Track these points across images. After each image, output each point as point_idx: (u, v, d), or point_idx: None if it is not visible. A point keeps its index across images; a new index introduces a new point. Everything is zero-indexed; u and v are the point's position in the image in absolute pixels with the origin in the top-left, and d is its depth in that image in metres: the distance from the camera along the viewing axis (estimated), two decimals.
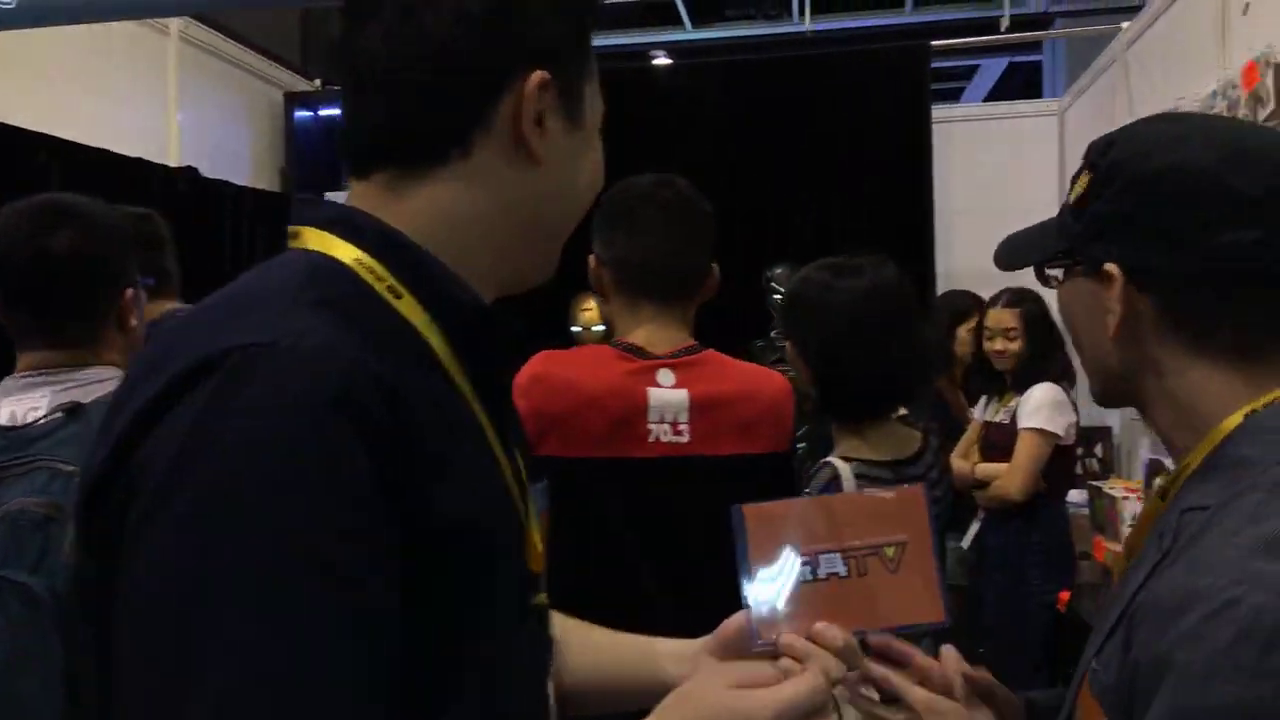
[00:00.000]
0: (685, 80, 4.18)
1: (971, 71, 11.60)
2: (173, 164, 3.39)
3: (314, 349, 0.58)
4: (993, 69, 11.33)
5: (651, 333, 1.59)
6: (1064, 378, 3.13)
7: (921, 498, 0.92)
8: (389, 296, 0.67)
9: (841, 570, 0.87)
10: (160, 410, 0.58)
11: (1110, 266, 0.82)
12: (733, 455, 1.58)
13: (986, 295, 4.25)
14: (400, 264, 0.68)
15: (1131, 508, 2.70)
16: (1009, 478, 2.95)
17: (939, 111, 4.27)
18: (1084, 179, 0.88)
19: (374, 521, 0.57)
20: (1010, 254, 1.00)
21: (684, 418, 1.55)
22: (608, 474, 1.54)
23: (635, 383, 1.55)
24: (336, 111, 4.50)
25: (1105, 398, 0.92)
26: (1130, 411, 3.68)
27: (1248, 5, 2.29)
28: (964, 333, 3.64)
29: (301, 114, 4.20)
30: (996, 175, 4.66)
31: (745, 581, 0.87)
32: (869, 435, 1.62)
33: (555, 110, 0.73)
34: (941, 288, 4.08)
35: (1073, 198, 0.90)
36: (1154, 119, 0.93)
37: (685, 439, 1.55)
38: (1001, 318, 3.16)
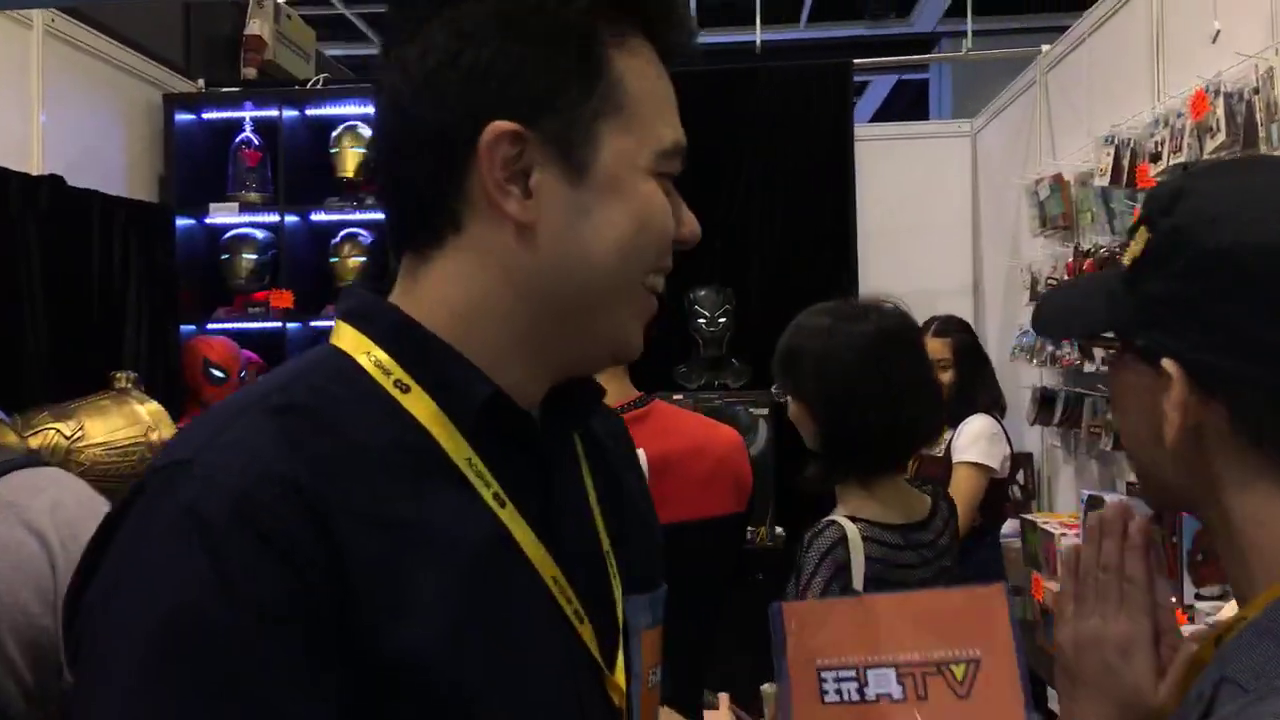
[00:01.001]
0: None
1: (861, 88, 11.85)
2: (35, 171, 3.04)
3: (223, 465, 0.57)
4: (880, 86, 11.58)
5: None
6: (995, 406, 3.09)
7: (1002, 598, 0.75)
8: (395, 392, 0.64)
9: (895, 691, 0.70)
10: (113, 527, 0.59)
11: (1168, 364, 0.67)
12: (698, 520, 1.44)
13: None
14: (410, 354, 0.65)
15: (1069, 543, 2.63)
16: None
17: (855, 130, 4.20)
18: (1141, 237, 0.72)
19: (284, 642, 0.54)
20: (1051, 320, 0.85)
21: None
22: None
23: None
24: (222, 114, 4.17)
25: (1160, 506, 0.79)
26: (1051, 436, 3.74)
27: (1218, 33, 2.24)
28: None
29: (183, 117, 3.86)
30: (910, 195, 4.63)
31: (781, 686, 0.72)
32: (879, 493, 1.49)
33: (546, 165, 0.63)
34: None
35: (1127, 259, 0.73)
36: (1228, 166, 0.79)
37: None
38: (931, 347, 3.07)
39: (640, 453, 1.40)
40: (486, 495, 0.64)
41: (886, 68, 8.95)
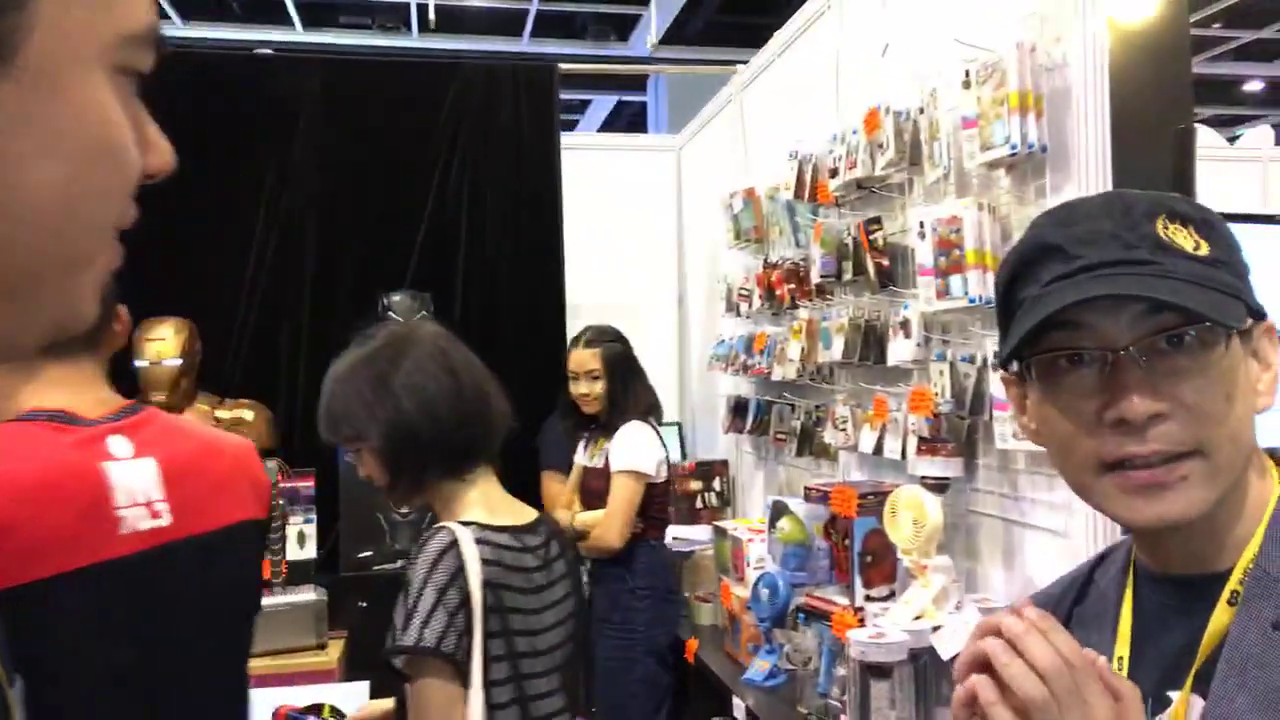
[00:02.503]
0: (290, 79, 3.67)
1: (585, 105, 12.03)
2: None
3: None
4: (602, 105, 11.80)
5: (72, 395, 1.22)
6: (651, 413, 3.12)
7: None
8: None
9: None
10: None
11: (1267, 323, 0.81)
12: (224, 528, 1.32)
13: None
14: None
15: (757, 550, 2.66)
16: (606, 525, 2.91)
17: (564, 139, 4.14)
18: (1189, 230, 0.81)
19: None
20: (1192, 295, 0.77)
21: (158, 493, 1.22)
22: (76, 596, 1.11)
23: (84, 459, 1.17)
24: None
25: (1222, 489, 0.79)
26: (745, 444, 3.84)
27: (886, 47, 2.33)
28: None
29: None
30: (620, 209, 4.64)
31: None
32: (480, 497, 1.50)
33: None
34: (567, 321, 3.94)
35: (1189, 248, 0.79)
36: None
37: (166, 520, 1.22)
38: (582, 359, 3.11)
39: (149, 461, 1.21)
40: None
41: (600, 80, 9.09)
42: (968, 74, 1.94)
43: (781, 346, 2.97)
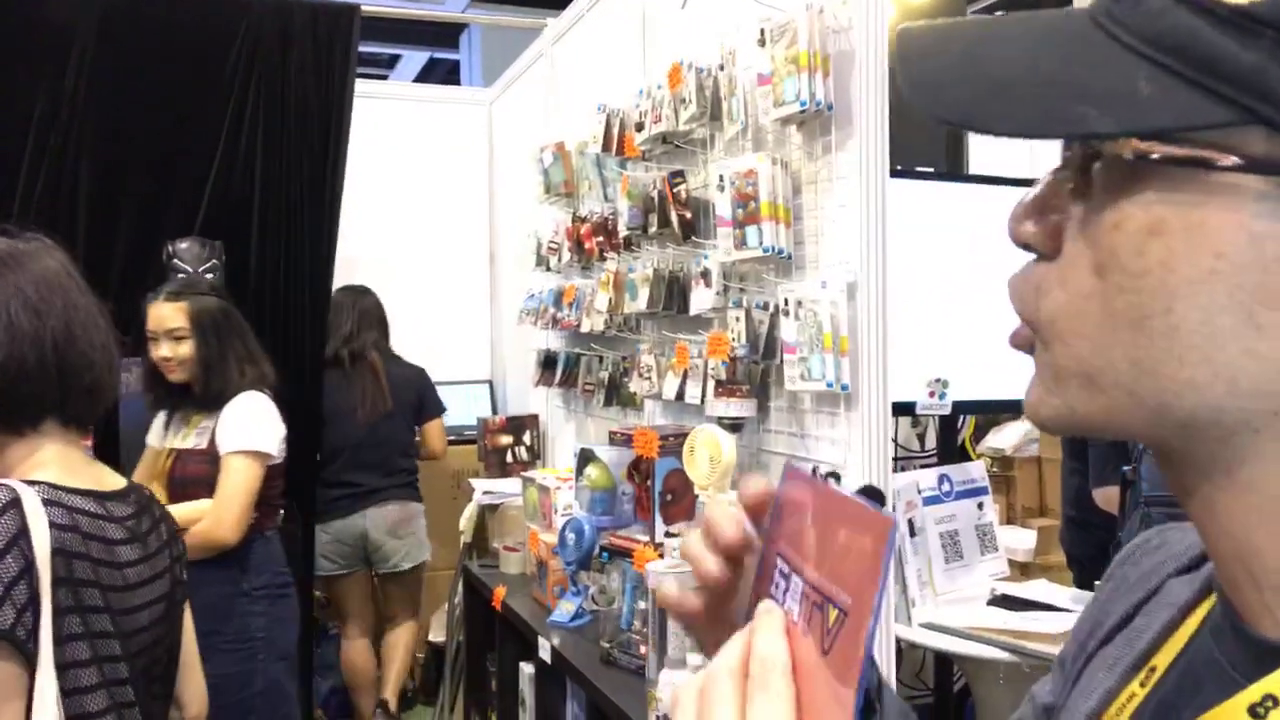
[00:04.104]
0: (64, 2, 3.38)
1: (394, 61, 11.67)
2: None
3: None
4: (414, 61, 11.48)
5: None
6: (263, 383, 2.64)
7: (884, 540, 0.46)
8: None
9: (796, 611, 0.51)
10: None
11: None
12: None
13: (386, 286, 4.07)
14: None
15: (565, 497, 2.72)
16: (217, 516, 2.44)
17: (365, 86, 4.02)
18: None
19: None
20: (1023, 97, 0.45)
21: None
22: None
23: None
24: None
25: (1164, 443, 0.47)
26: (554, 397, 3.90)
27: (685, 1, 2.39)
28: None
29: None
30: (431, 164, 4.57)
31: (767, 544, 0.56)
32: (56, 457, 1.30)
33: None
34: (342, 277, 3.84)
35: None
36: None
37: None
38: (162, 316, 2.57)
39: None
40: None
41: (410, 33, 8.84)
42: (763, 32, 2.03)
43: (590, 299, 3.02)
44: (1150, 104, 0.42)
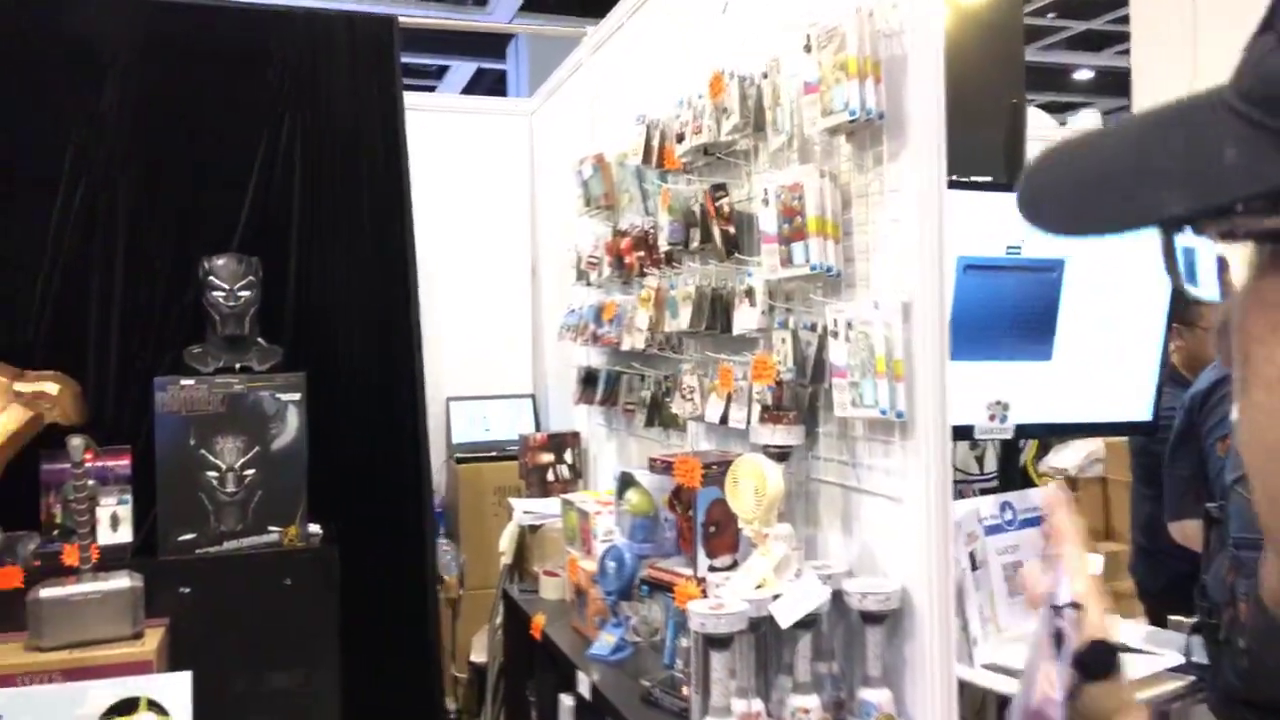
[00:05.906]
0: (104, 19, 3.36)
1: (443, 71, 11.71)
2: None
3: None
4: (462, 72, 11.51)
5: None
6: None
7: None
8: None
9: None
10: None
11: None
12: None
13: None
14: None
15: (605, 523, 2.62)
16: None
17: (406, 99, 3.97)
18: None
19: None
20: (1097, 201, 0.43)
21: None
22: None
23: None
24: None
25: None
26: (596, 415, 3.81)
27: (726, 5, 2.29)
28: None
29: None
30: (472, 175, 4.50)
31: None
32: None
33: None
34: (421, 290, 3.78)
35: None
36: None
37: None
38: None
39: None
40: None
41: (455, 44, 8.84)
42: (809, 38, 1.92)
43: (630, 316, 2.92)
44: (1232, 172, 0.34)
